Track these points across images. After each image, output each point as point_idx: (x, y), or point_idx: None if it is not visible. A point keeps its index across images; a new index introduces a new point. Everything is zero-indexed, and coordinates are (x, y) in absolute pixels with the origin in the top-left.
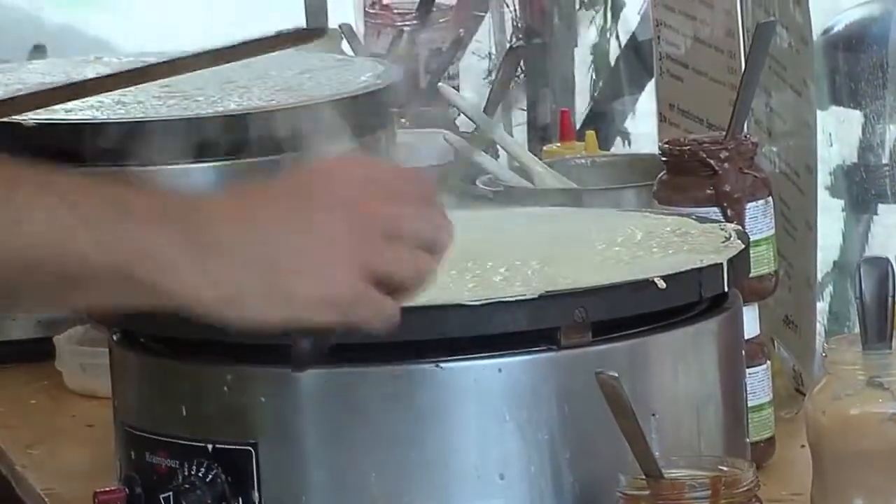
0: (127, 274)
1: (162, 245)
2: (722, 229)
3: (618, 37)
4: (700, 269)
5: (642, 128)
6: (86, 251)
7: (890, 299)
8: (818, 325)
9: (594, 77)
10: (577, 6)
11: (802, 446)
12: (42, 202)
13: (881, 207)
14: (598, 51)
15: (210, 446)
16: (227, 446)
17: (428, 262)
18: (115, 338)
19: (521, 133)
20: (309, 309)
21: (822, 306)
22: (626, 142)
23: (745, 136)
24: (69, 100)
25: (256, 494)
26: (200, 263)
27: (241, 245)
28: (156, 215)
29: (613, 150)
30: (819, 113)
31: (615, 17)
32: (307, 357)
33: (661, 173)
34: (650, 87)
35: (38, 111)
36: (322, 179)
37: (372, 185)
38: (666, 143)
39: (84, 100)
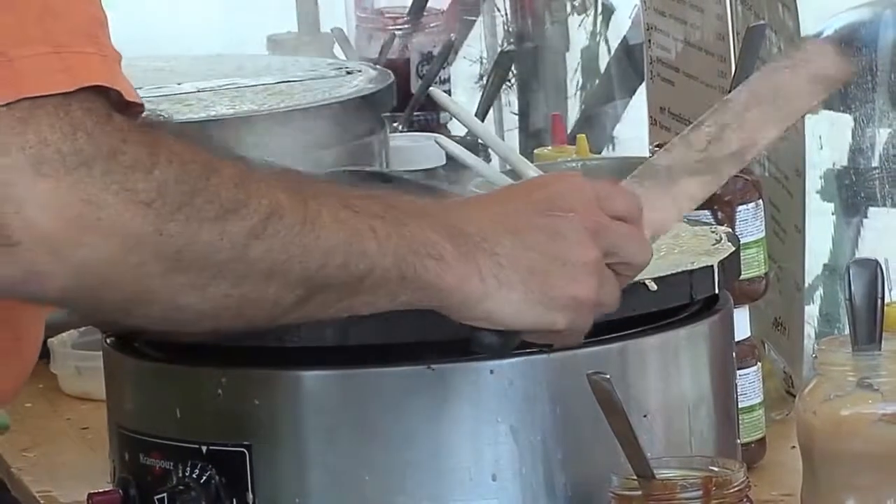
0: (405, 273)
1: (435, 243)
2: (713, 231)
3: (608, 41)
4: (691, 272)
5: (633, 132)
6: (373, 252)
7: (879, 301)
8: (809, 327)
9: (585, 81)
10: (569, 10)
11: (793, 447)
12: (328, 208)
13: (871, 210)
14: (589, 55)
15: (204, 448)
16: (221, 448)
17: (625, 281)
18: (109, 341)
19: (512, 137)
20: (558, 309)
21: (812, 308)
22: (614, 145)
23: None
24: None
25: (250, 496)
26: (465, 259)
27: (498, 244)
28: (422, 214)
29: (605, 153)
30: (810, 116)
31: (606, 22)
32: (497, 350)
33: None
34: (641, 90)
35: None
36: (557, 191)
37: (599, 201)
38: (657, 146)
39: None
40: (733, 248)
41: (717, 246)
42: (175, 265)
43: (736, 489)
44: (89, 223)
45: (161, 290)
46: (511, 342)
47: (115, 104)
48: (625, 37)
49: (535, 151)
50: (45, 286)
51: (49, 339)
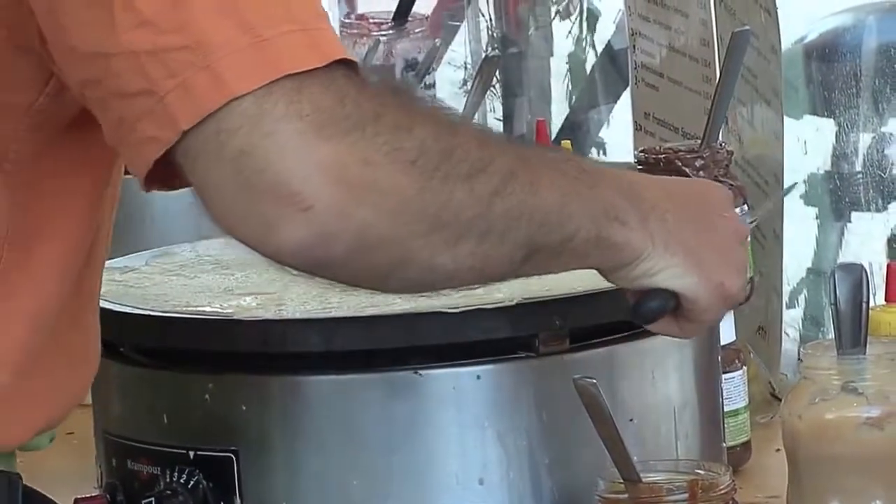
0: (601, 234)
1: (622, 206)
2: None
3: (593, 46)
4: None
5: (618, 137)
6: (578, 214)
7: (864, 305)
8: (794, 330)
9: (570, 86)
10: (553, 16)
11: (778, 450)
12: (545, 170)
13: (854, 215)
14: (574, 60)
15: (191, 453)
16: (208, 453)
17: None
18: None
19: None
20: (705, 288)
21: (797, 313)
22: (602, 151)
23: (720, 145)
24: None
25: (238, 501)
26: (643, 222)
27: (668, 212)
28: (607, 177)
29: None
30: (794, 122)
31: (591, 27)
32: (652, 314)
33: None
34: (626, 96)
35: None
36: (714, 193)
37: (728, 199)
38: (641, 151)
39: None
40: None
41: None
42: (434, 223)
43: (722, 492)
44: (368, 184)
45: (421, 249)
46: (668, 306)
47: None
48: (609, 42)
49: None
50: (332, 249)
51: None
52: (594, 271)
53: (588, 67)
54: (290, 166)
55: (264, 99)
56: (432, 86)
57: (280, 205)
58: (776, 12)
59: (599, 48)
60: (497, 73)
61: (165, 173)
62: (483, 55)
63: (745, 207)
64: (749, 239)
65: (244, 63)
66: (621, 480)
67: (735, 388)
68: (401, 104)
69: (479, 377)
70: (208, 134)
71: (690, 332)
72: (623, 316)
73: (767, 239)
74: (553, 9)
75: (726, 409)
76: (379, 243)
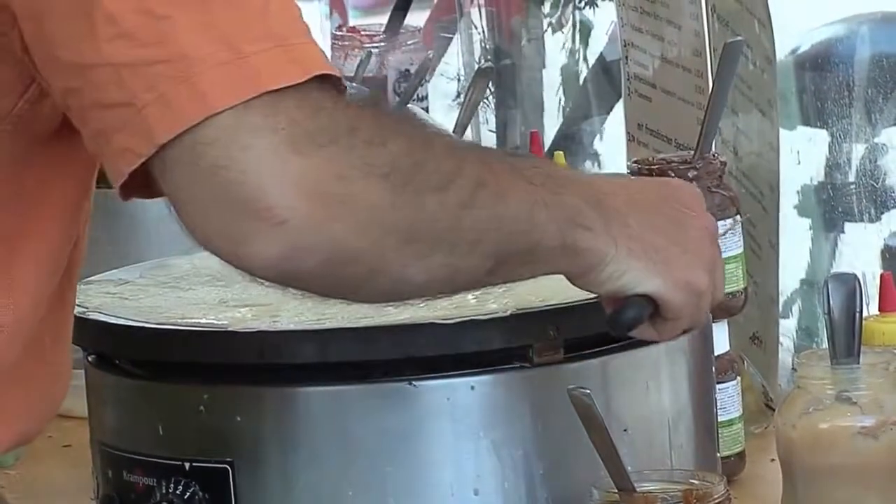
0: (566, 241)
1: (587, 213)
2: None
3: (586, 58)
4: None
5: (611, 148)
6: (543, 221)
7: (858, 315)
8: (788, 340)
9: (563, 98)
10: (545, 28)
11: (772, 460)
12: (513, 179)
13: (848, 226)
14: (567, 72)
15: (187, 464)
16: (203, 464)
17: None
18: (90, 359)
19: None
20: (674, 288)
21: (791, 323)
22: (596, 162)
23: (714, 156)
24: None
25: None
26: (607, 228)
27: (631, 218)
28: (573, 183)
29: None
30: (787, 132)
31: (583, 39)
32: (629, 324)
33: None
34: (619, 107)
35: None
36: (683, 191)
37: (698, 196)
38: (635, 162)
39: None
40: None
41: None
42: (406, 236)
43: (716, 502)
44: (341, 198)
45: (393, 262)
46: (643, 314)
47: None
48: (602, 53)
49: None
50: (304, 263)
51: None
52: None
53: (581, 79)
54: (264, 181)
55: (242, 114)
56: (425, 98)
57: (254, 219)
58: (770, 23)
59: (592, 60)
60: (490, 84)
61: (142, 183)
62: (476, 67)
63: (738, 217)
64: (720, 235)
65: (224, 78)
66: (616, 490)
67: (729, 398)
68: (375, 118)
69: (473, 388)
70: (185, 147)
71: (667, 335)
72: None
73: (763, 249)
74: (546, 21)
75: (720, 419)
76: (351, 257)
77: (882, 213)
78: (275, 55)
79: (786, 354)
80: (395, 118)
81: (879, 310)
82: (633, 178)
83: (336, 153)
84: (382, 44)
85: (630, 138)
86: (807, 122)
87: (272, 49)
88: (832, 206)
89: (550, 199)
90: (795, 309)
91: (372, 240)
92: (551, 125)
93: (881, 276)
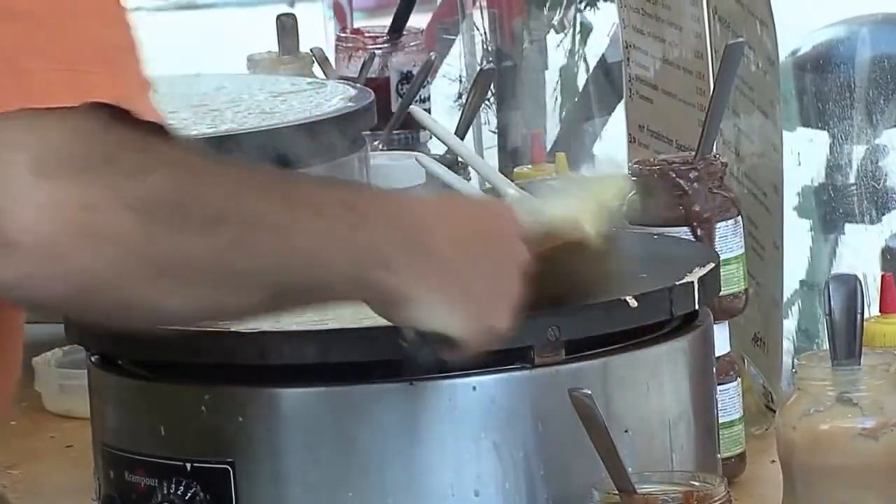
0: (358, 278)
1: (388, 253)
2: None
3: (587, 59)
4: (671, 288)
5: (612, 150)
6: (335, 259)
7: (858, 316)
8: (787, 342)
9: (563, 99)
10: (547, 29)
11: (773, 462)
12: (304, 216)
13: (848, 227)
14: (568, 73)
15: (188, 465)
16: (205, 465)
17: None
18: (93, 360)
19: (492, 156)
20: (476, 332)
21: (790, 324)
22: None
23: (715, 157)
24: None
25: None
26: (409, 267)
27: (439, 256)
28: (380, 216)
29: (583, 171)
30: (787, 134)
31: (584, 40)
32: (423, 366)
33: (631, 193)
34: (620, 108)
35: None
36: (492, 218)
37: (513, 226)
38: (636, 163)
39: None
40: (713, 265)
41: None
42: (161, 271)
43: (717, 503)
44: (87, 228)
45: (145, 295)
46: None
47: (127, 122)
48: (603, 55)
49: (515, 170)
50: (44, 291)
51: (33, 358)
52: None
53: (580, 80)
54: (1, 201)
55: None
56: (427, 99)
57: None
58: (773, 24)
59: (592, 61)
60: (492, 86)
61: None
62: (478, 68)
63: (740, 219)
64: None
65: None
66: (616, 492)
67: (730, 399)
68: (141, 149)
69: (474, 388)
70: None
71: (454, 358)
72: (617, 326)
73: (766, 250)
74: (547, 22)
75: (721, 420)
76: (99, 288)
77: (883, 214)
78: (58, 77)
79: (786, 356)
80: (174, 152)
81: (880, 311)
82: (454, 202)
83: (85, 181)
84: (385, 45)
85: (631, 140)
86: (807, 124)
87: (59, 71)
88: (833, 208)
89: (346, 235)
90: (795, 310)
91: (122, 272)
92: (552, 126)
93: (882, 277)
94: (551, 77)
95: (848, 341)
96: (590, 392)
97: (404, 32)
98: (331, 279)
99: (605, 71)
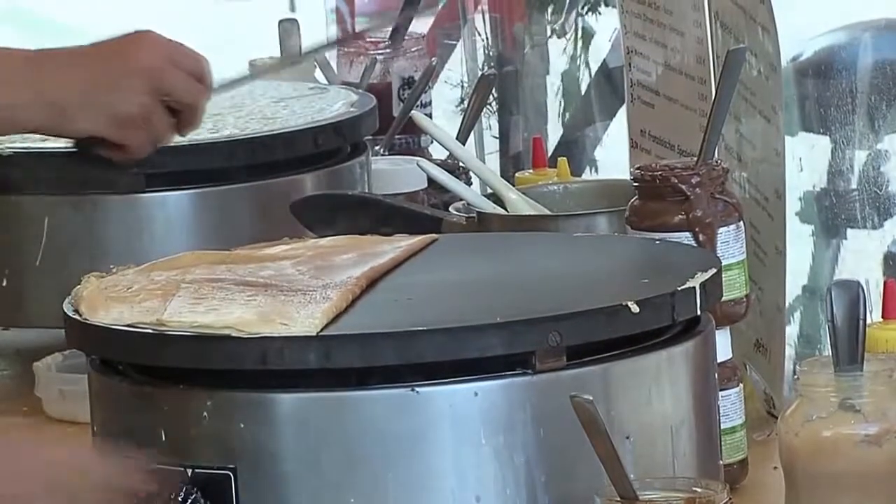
0: None
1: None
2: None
3: (588, 65)
4: (673, 294)
5: (613, 155)
6: None
7: (861, 322)
8: (789, 348)
9: (562, 104)
10: (549, 34)
11: (775, 468)
12: None
13: (850, 232)
14: (570, 78)
15: (189, 471)
16: (206, 471)
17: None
18: (93, 365)
19: (493, 160)
20: (109, 126)
21: (792, 330)
22: (594, 168)
23: (716, 162)
24: None
25: None
26: (38, 82)
27: (66, 68)
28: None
29: (585, 176)
30: (789, 139)
31: (586, 46)
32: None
33: (633, 199)
34: (621, 114)
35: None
36: (133, 45)
37: (171, 57)
38: (638, 168)
39: None
40: (715, 270)
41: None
42: None
43: None
44: None
45: None
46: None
47: None
48: (605, 60)
49: (516, 174)
50: None
51: (33, 363)
52: (593, 289)
53: (582, 85)
54: None
55: None
56: (428, 104)
57: None
58: (775, 29)
59: (594, 66)
60: (493, 91)
61: None
62: (479, 73)
63: (742, 225)
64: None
65: None
66: (618, 498)
67: (732, 406)
68: None
69: (476, 394)
70: None
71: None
72: (618, 332)
73: (769, 255)
74: (549, 28)
75: (723, 426)
76: None
77: (885, 219)
78: None
79: (787, 362)
80: None
81: (883, 317)
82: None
83: None
84: (387, 51)
85: (633, 145)
86: (809, 129)
87: None
88: (834, 213)
89: None
90: (797, 316)
91: None
92: (554, 131)
93: (885, 283)
94: (553, 82)
95: (850, 347)
96: (591, 398)
97: (406, 37)
98: None
99: (607, 76)
